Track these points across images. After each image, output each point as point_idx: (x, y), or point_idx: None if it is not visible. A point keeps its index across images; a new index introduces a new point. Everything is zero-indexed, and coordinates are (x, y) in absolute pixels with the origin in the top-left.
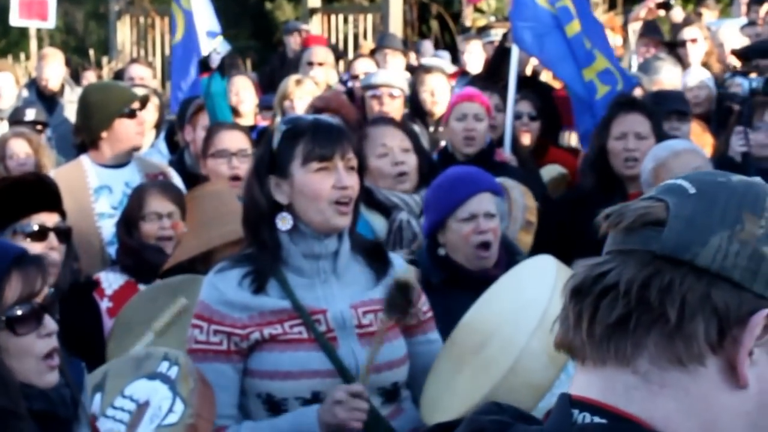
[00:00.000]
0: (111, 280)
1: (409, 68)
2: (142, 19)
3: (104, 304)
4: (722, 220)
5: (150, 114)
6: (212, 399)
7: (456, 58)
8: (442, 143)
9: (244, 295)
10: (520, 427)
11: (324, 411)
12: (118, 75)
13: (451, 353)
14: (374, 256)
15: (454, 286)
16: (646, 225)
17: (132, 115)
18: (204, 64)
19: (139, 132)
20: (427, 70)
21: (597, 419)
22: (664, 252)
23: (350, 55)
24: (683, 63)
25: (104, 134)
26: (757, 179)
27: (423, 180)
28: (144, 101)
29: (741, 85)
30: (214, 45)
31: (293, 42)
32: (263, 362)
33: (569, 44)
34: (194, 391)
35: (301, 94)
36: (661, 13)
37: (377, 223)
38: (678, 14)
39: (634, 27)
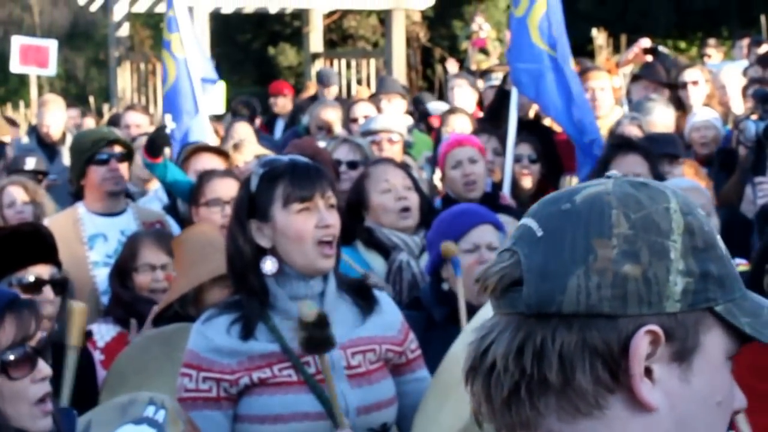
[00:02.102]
0: (103, 332)
1: (412, 113)
2: (142, 66)
3: (96, 357)
4: (573, 257)
5: None
6: None
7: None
8: (440, 186)
9: (232, 341)
10: None
11: None
12: (114, 121)
13: (438, 387)
14: (360, 293)
15: (458, 323)
16: (507, 289)
17: (103, 161)
18: (152, 148)
19: (109, 178)
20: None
21: None
22: (530, 311)
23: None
24: (685, 105)
25: (83, 182)
26: (603, 188)
27: (423, 221)
28: (128, 147)
29: (747, 129)
30: (169, 125)
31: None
32: (253, 406)
33: (568, 83)
34: None
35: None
36: (649, 58)
37: (377, 264)
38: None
39: (625, 71)
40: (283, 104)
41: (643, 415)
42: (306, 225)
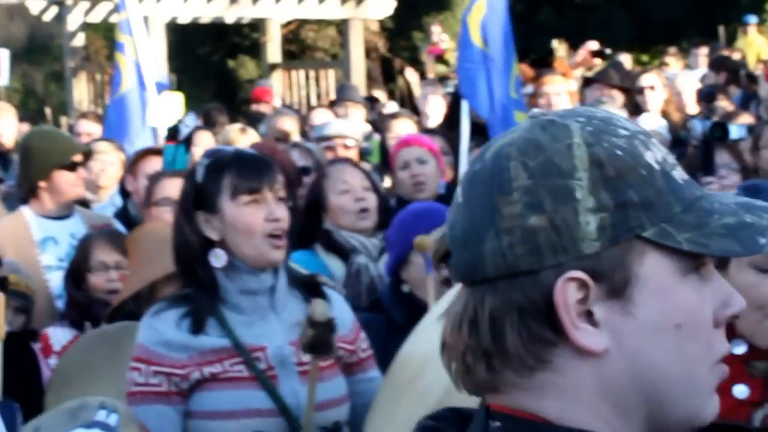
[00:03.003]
0: (59, 336)
1: (373, 121)
2: (98, 76)
3: (52, 362)
4: (483, 220)
5: (115, 169)
6: None
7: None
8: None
9: (182, 335)
10: None
11: None
12: (70, 131)
13: (390, 387)
14: (310, 289)
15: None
16: (443, 260)
17: (72, 167)
18: (171, 133)
19: (78, 185)
20: (394, 116)
21: (497, 424)
22: (465, 281)
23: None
24: (642, 110)
25: (42, 184)
26: (509, 139)
27: (380, 222)
28: (88, 154)
29: (694, 129)
30: (188, 122)
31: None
32: (204, 402)
33: (493, 86)
34: None
35: (246, 141)
36: (597, 61)
37: (335, 267)
38: (626, 63)
39: (575, 74)
40: (266, 112)
41: (592, 359)
42: (255, 218)
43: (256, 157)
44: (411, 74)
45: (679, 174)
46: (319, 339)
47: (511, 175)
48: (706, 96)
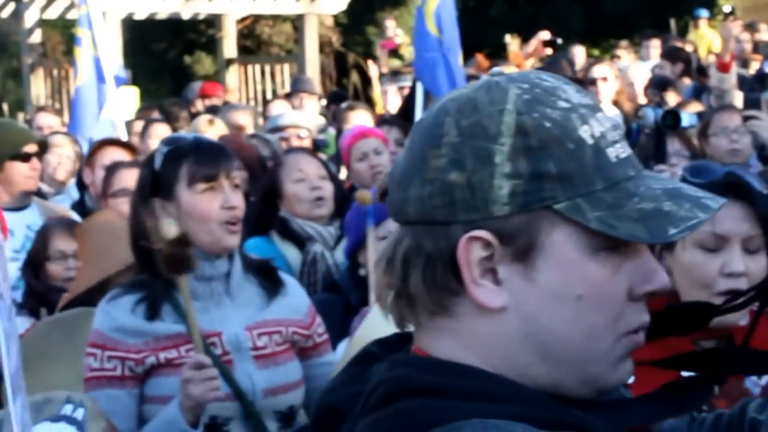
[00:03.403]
0: (17, 325)
1: (326, 114)
2: (55, 72)
3: None
4: (415, 167)
5: (72, 162)
6: None
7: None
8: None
9: (137, 321)
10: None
11: (182, 397)
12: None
13: None
14: (265, 275)
15: None
16: (384, 197)
17: (26, 158)
18: None
19: (32, 177)
20: (351, 107)
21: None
22: (393, 218)
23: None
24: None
25: None
26: (455, 94)
27: (337, 211)
28: (43, 145)
29: (646, 117)
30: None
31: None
32: (160, 387)
33: (454, 75)
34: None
35: (214, 134)
36: (548, 51)
37: (291, 255)
38: (580, 54)
39: (527, 64)
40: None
41: (490, 314)
42: (211, 205)
43: (214, 145)
44: (372, 69)
45: (616, 152)
46: (175, 255)
47: (444, 131)
48: (658, 83)
